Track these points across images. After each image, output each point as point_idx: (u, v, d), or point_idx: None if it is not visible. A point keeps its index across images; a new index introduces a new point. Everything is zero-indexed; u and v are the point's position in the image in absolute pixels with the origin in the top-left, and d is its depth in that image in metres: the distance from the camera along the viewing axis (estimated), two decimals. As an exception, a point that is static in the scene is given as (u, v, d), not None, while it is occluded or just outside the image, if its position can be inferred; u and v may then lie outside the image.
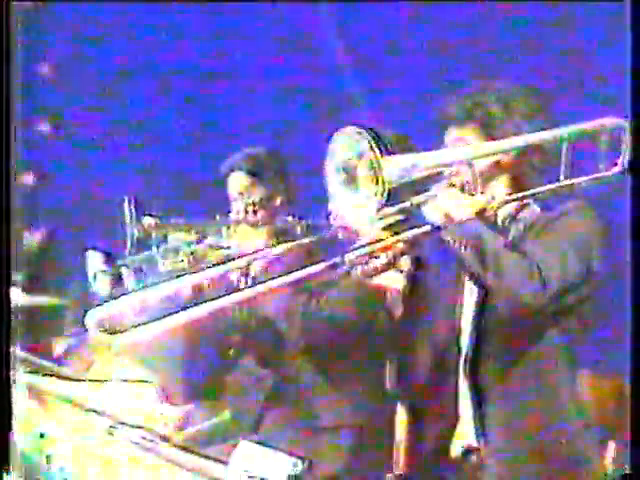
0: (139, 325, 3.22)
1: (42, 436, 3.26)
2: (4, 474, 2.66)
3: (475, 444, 3.31)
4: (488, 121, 3.33)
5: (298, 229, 4.03)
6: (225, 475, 3.11)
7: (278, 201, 4.26)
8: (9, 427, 2.84)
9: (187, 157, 5.78)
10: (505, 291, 3.18)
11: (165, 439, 3.19)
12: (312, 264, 3.33)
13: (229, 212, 4.24)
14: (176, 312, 3.28)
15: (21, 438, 2.98)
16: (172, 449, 3.19)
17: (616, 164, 3.17)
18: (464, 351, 3.34)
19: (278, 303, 3.86)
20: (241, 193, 4.24)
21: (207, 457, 3.18)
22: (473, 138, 3.33)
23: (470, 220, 3.21)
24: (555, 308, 3.19)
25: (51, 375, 3.37)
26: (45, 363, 3.52)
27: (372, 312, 3.78)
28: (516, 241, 3.26)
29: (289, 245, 3.58)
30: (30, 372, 3.32)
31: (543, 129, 3.29)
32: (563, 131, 3.24)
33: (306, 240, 3.67)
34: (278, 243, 3.72)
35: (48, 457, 3.25)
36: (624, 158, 3.17)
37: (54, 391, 3.29)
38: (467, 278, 3.35)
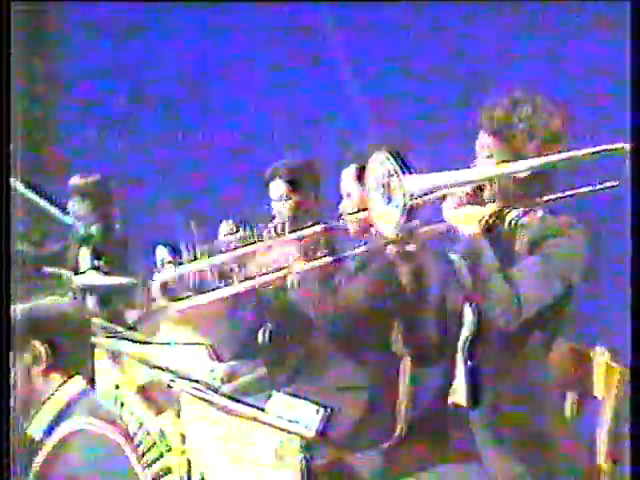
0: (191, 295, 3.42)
1: (117, 387, 3.46)
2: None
3: (465, 404, 3.35)
4: (512, 141, 3.33)
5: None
6: (263, 418, 3.30)
7: (310, 206, 4.35)
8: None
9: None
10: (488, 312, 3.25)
11: (214, 390, 3.39)
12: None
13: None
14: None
15: (100, 389, 3.11)
16: (220, 398, 3.36)
17: (616, 179, 3.21)
18: (463, 333, 3.35)
19: (306, 293, 3.93)
20: (280, 197, 4.35)
21: (248, 404, 3.35)
22: (497, 150, 3.34)
23: (476, 235, 3.25)
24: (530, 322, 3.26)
25: (125, 339, 3.53)
26: (120, 329, 3.67)
27: (383, 298, 3.80)
28: (514, 251, 3.31)
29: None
30: (108, 337, 3.49)
31: (560, 151, 3.25)
32: (575, 154, 3.17)
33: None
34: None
35: (122, 404, 3.45)
36: (624, 176, 3.07)
37: (127, 352, 3.48)
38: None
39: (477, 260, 3.25)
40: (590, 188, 3.30)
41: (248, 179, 4.80)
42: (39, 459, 2.47)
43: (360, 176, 3.87)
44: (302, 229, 3.79)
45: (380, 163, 3.21)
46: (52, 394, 2.54)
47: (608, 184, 3.26)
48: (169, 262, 3.76)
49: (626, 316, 2.96)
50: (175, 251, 3.78)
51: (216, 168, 5.75)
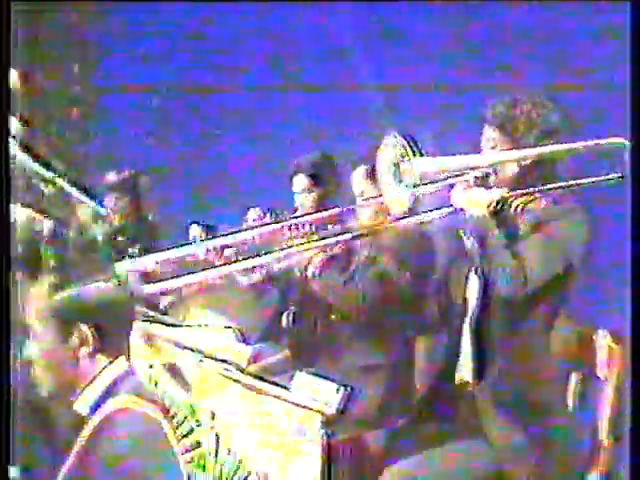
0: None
1: (151, 367, 3.46)
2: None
3: (470, 380, 3.39)
4: (514, 133, 3.39)
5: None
6: (286, 396, 3.35)
7: (329, 197, 4.34)
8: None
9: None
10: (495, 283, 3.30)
11: (241, 370, 3.43)
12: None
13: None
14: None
15: (137, 369, 3.09)
16: (247, 377, 3.40)
17: (616, 170, 3.21)
18: (470, 311, 3.40)
19: (325, 281, 3.94)
20: (302, 191, 4.36)
21: (272, 383, 3.40)
22: (500, 142, 3.41)
23: (484, 216, 3.29)
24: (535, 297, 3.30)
25: (158, 322, 3.58)
26: (153, 313, 3.67)
27: (394, 285, 3.86)
28: (519, 233, 3.33)
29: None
30: (143, 320, 3.49)
31: (558, 142, 3.34)
32: (573, 146, 3.29)
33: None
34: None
35: (156, 383, 3.45)
36: (624, 168, 3.15)
37: (160, 334, 3.51)
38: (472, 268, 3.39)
39: (485, 238, 3.29)
40: (594, 179, 3.31)
41: (276, 170, 4.76)
42: (84, 434, 2.48)
43: (370, 175, 3.93)
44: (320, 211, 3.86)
45: (392, 146, 3.30)
46: (98, 374, 2.55)
47: (611, 176, 3.26)
48: (202, 240, 3.78)
49: (626, 299, 3.01)
50: (208, 229, 3.81)
51: (246, 160, 5.76)
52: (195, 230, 3.89)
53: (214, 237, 3.85)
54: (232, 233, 3.83)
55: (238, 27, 5.88)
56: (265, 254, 3.68)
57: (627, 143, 3.16)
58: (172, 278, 3.54)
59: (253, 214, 4.13)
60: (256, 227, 3.91)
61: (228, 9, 5.82)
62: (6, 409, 2.50)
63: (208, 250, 3.78)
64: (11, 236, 2.73)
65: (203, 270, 3.62)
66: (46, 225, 4.34)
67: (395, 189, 3.32)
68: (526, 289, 3.27)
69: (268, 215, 4.08)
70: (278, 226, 3.83)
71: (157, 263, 3.71)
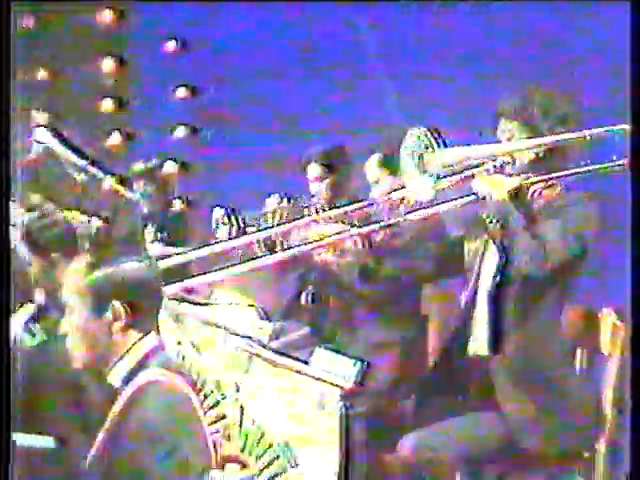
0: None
1: (179, 343, 3.47)
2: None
3: (485, 352, 3.43)
4: (529, 122, 3.44)
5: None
6: (306, 371, 3.37)
7: (344, 186, 4.35)
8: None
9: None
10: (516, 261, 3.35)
11: (263, 345, 3.44)
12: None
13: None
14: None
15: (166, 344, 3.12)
16: (269, 353, 3.42)
17: (620, 157, 3.26)
18: (487, 288, 3.45)
19: (345, 261, 3.91)
20: (317, 179, 4.36)
21: (293, 358, 3.41)
22: (517, 131, 3.45)
23: (504, 200, 3.34)
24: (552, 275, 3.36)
25: (185, 301, 3.57)
26: (180, 294, 3.61)
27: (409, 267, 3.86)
28: (536, 217, 3.39)
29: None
30: (172, 299, 3.47)
31: (570, 131, 3.39)
32: (582, 134, 3.34)
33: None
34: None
35: (184, 358, 3.45)
36: (626, 153, 3.17)
37: (187, 312, 3.53)
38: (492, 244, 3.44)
39: (506, 220, 3.34)
40: (600, 165, 3.35)
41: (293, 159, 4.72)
42: (117, 404, 2.50)
43: (384, 162, 3.97)
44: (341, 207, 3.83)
45: (417, 137, 3.33)
46: (130, 348, 2.57)
47: (617, 163, 3.30)
48: (223, 223, 3.81)
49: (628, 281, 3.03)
50: (231, 212, 3.83)
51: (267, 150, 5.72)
52: (218, 213, 3.90)
53: (238, 223, 3.87)
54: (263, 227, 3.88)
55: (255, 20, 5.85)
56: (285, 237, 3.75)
57: (627, 128, 3.16)
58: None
59: (273, 200, 4.14)
60: (286, 217, 3.96)
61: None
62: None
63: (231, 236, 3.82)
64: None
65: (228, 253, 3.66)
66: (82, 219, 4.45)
67: (419, 179, 3.35)
68: (546, 267, 3.32)
69: (285, 201, 4.10)
70: (308, 219, 3.84)
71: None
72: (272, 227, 3.89)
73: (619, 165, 3.29)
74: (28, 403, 3.01)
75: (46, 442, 2.60)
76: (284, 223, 3.90)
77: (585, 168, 3.37)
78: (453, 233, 3.70)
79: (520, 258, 3.33)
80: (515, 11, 4.95)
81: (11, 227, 3.91)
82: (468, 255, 3.57)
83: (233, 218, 3.79)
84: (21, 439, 2.58)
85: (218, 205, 3.91)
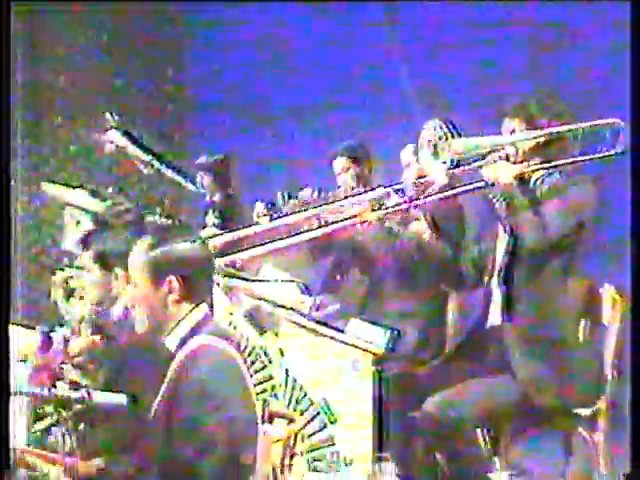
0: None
1: (231, 314, 3.49)
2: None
3: (499, 322, 3.41)
4: (529, 118, 3.43)
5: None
6: (342, 338, 3.39)
7: (366, 176, 4.35)
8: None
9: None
10: (521, 237, 3.34)
11: (304, 316, 3.47)
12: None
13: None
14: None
15: (218, 315, 3.16)
16: (309, 322, 3.45)
17: (616, 147, 3.24)
18: (498, 263, 3.44)
19: (371, 238, 3.92)
20: (342, 170, 4.38)
21: (331, 327, 3.42)
22: (519, 127, 3.44)
23: (510, 184, 3.33)
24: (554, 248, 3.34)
25: (236, 277, 3.58)
26: (231, 270, 3.64)
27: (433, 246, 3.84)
28: (538, 199, 3.37)
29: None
30: (224, 275, 3.51)
31: (566, 124, 3.37)
32: (579, 126, 3.32)
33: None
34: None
35: (235, 327, 3.47)
36: (623, 143, 3.20)
37: (238, 286, 3.54)
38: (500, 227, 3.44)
39: (511, 200, 3.33)
40: (596, 155, 3.32)
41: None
42: (173, 366, 2.51)
43: (416, 151, 3.94)
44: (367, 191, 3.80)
45: (433, 128, 3.33)
46: (184, 317, 2.57)
47: (611, 152, 3.27)
48: (264, 215, 3.82)
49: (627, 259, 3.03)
50: (271, 205, 3.85)
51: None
52: (259, 207, 3.93)
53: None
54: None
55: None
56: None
57: (621, 123, 3.19)
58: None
59: (306, 192, 4.13)
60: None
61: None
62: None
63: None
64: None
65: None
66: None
67: (434, 165, 3.35)
68: (546, 240, 3.30)
69: (316, 192, 4.08)
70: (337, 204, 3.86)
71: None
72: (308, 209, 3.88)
73: (608, 156, 3.27)
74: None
75: (119, 399, 2.57)
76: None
77: (579, 158, 3.34)
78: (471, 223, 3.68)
79: (524, 233, 3.32)
80: (519, 14, 4.89)
81: (84, 214, 4.00)
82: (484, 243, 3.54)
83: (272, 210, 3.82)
84: (98, 396, 2.56)
85: (259, 200, 3.95)
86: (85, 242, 3.41)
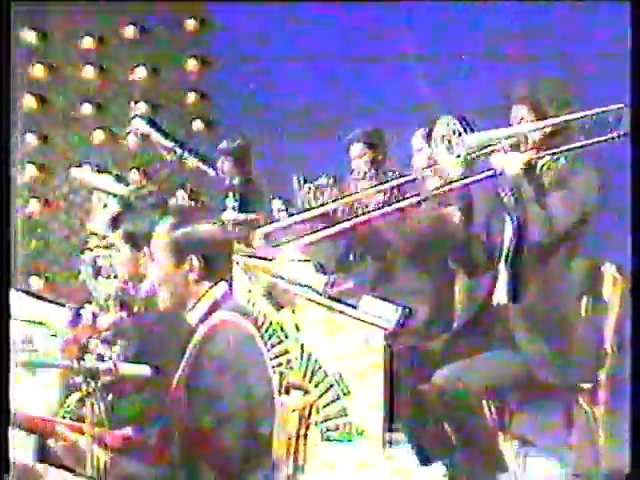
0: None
1: (249, 291, 3.48)
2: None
3: (505, 301, 3.43)
4: (537, 107, 3.43)
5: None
6: (355, 314, 3.35)
7: (380, 161, 4.36)
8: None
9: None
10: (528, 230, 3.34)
11: (319, 293, 3.45)
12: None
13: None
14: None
15: (237, 293, 3.08)
16: (324, 299, 3.42)
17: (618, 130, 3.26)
18: (505, 247, 3.44)
19: (387, 222, 3.94)
20: (358, 156, 4.38)
21: (344, 304, 3.38)
22: (527, 115, 3.43)
23: (518, 175, 3.33)
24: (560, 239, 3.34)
25: (254, 257, 3.59)
26: (249, 250, 3.70)
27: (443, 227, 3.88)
28: (545, 188, 3.37)
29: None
30: (243, 255, 3.53)
31: (572, 112, 3.38)
32: (584, 114, 3.35)
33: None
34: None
35: (253, 304, 3.45)
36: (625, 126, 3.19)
37: (256, 265, 3.55)
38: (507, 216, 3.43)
39: (519, 192, 3.32)
40: (599, 139, 3.32)
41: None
42: (194, 339, 2.52)
43: (427, 136, 3.89)
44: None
45: (447, 124, 3.33)
46: (204, 294, 2.58)
47: (612, 135, 3.28)
48: (283, 210, 3.81)
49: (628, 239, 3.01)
50: (287, 203, 3.87)
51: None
52: (276, 204, 3.95)
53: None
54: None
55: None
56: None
57: (625, 108, 3.18)
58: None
59: (324, 180, 4.14)
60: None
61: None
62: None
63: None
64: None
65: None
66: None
67: (448, 158, 3.34)
68: (552, 235, 3.29)
69: (332, 180, 4.09)
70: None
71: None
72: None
73: (612, 139, 3.26)
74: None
75: (144, 370, 2.57)
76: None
77: (584, 142, 3.34)
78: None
79: (530, 228, 3.31)
80: (525, 11, 4.89)
81: (111, 198, 4.01)
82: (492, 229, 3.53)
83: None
84: (124, 368, 2.56)
85: (276, 196, 3.96)
86: (114, 223, 3.41)
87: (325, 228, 3.68)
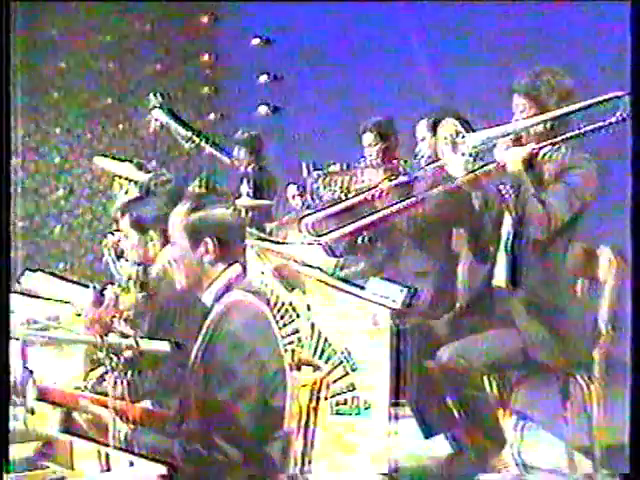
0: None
1: (262, 273, 3.49)
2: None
3: (504, 286, 3.39)
4: (538, 98, 3.35)
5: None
6: (363, 295, 3.39)
7: (391, 150, 4.32)
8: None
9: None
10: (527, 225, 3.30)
11: (330, 275, 3.48)
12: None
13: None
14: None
15: (251, 275, 3.08)
16: (334, 280, 3.46)
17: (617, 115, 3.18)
18: (504, 233, 3.40)
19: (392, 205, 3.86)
20: (370, 145, 4.34)
21: (353, 284, 3.46)
22: (528, 106, 3.37)
23: (519, 171, 3.29)
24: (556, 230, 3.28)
25: (266, 240, 3.62)
26: (262, 234, 3.73)
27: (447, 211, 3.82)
28: (544, 182, 3.31)
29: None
30: (256, 239, 3.55)
31: (572, 102, 3.32)
32: (583, 104, 3.29)
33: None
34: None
35: (266, 285, 3.48)
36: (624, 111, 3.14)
37: (269, 248, 3.56)
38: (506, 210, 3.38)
39: (519, 189, 3.28)
40: (597, 125, 3.26)
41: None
42: (209, 318, 2.52)
43: (433, 126, 3.88)
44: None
45: (449, 125, 3.31)
46: (219, 275, 2.57)
47: (610, 121, 3.22)
48: (298, 195, 3.80)
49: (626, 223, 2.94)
50: (302, 188, 3.85)
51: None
52: (291, 190, 3.94)
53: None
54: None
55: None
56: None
57: (626, 96, 3.11)
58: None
59: (337, 167, 4.11)
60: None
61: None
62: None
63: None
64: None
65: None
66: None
67: (452, 157, 3.33)
68: (550, 230, 3.25)
69: (344, 166, 4.07)
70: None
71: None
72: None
73: (610, 124, 3.21)
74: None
75: (163, 346, 2.57)
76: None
77: (583, 129, 3.28)
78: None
79: (530, 225, 3.28)
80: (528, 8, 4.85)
81: (132, 184, 4.04)
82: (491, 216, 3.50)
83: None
84: (145, 344, 2.55)
85: (291, 183, 3.95)
86: (123, 210, 3.43)
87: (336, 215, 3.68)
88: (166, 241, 3.14)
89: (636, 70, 2.68)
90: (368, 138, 4.36)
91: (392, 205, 3.70)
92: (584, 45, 4.70)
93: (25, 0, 5.30)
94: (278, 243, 3.59)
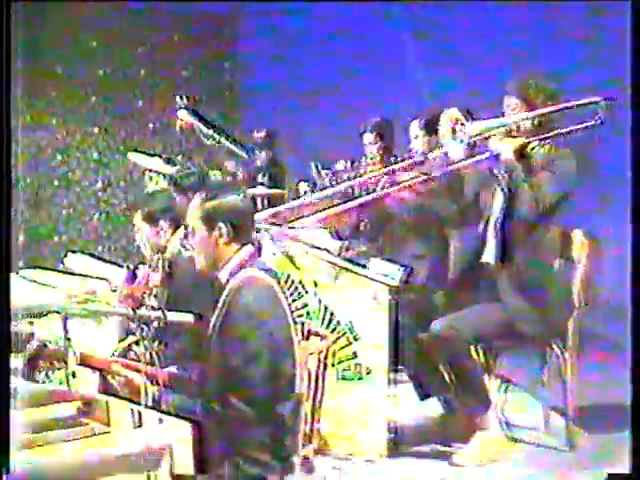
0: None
1: (274, 254, 3.48)
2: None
3: (492, 262, 3.39)
4: (527, 98, 3.38)
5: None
6: (365, 273, 3.39)
7: (389, 148, 4.29)
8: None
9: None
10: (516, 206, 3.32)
11: (335, 256, 3.49)
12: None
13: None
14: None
15: (263, 255, 3.13)
16: (339, 260, 3.46)
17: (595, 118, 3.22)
18: (493, 215, 3.40)
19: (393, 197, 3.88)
20: (370, 143, 4.32)
21: (356, 264, 3.45)
22: (519, 106, 3.38)
23: (511, 159, 3.31)
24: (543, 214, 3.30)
25: (277, 225, 3.58)
26: (274, 220, 3.65)
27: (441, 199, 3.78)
28: (533, 169, 3.32)
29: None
30: (268, 223, 3.54)
31: (558, 103, 3.34)
32: (568, 105, 3.32)
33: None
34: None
35: (277, 265, 3.41)
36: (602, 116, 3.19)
37: (279, 231, 3.54)
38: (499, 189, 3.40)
39: (511, 173, 3.31)
40: (577, 126, 3.30)
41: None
42: (225, 292, 2.53)
43: (426, 125, 3.91)
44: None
45: (451, 113, 3.32)
46: (232, 255, 2.58)
47: (588, 124, 3.26)
48: (307, 192, 3.82)
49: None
50: (313, 185, 3.86)
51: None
52: (302, 186, 3.94)
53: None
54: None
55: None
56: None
57: (602, 101, 3.19)
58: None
59: (342, 164, 4.08)
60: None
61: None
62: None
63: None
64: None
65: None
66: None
67: (453, 144, 3.34)
68: (538, 212, 3.27)
69: (349, 163, 4.04)
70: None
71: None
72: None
73: (590, 126, 3.24)
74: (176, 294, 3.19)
75: (187, 317, 2.57)
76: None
77: (567, 129, 3.32)
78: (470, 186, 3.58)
79: (519, 205, 3.30)
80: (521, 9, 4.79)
81: (160, 177, 4.05)
82: (482, 200, 3.50)
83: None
84: (171, 315, 2.52)
85: (302, 180, 3.96)
86: (134, 208, 3.45)
87: (342, 204, 3.68)
88: (176, 227, 3.24)
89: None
90: (368, 138, 4.33)
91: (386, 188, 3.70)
92: (584, 45, 4.66)
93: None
94: (289, 227, 3.56)
